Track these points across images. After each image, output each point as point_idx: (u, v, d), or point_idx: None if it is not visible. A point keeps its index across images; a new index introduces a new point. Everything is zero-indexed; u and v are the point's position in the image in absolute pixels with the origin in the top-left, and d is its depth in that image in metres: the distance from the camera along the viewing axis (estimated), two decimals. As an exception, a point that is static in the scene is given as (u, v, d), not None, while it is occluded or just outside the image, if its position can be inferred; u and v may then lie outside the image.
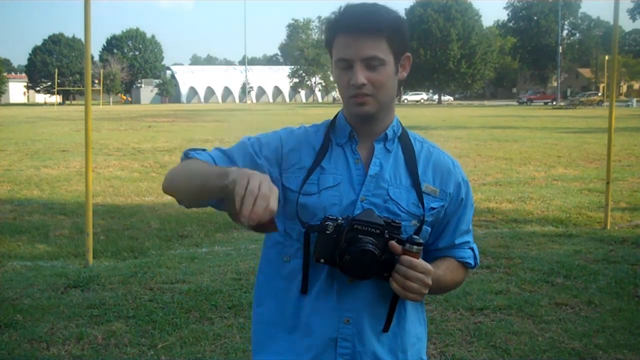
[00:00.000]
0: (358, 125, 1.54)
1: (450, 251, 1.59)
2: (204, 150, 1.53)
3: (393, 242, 1.38)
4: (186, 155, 1.52)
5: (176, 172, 1.50)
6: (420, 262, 1.37)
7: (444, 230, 1.58)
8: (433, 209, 1.52)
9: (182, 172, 1.47)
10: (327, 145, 1.53)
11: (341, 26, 1.44)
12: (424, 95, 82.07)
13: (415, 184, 1.50)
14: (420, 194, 1.50)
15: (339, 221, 1.39)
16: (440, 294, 2.63)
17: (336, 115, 1.59)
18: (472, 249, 1.63)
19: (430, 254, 1.60)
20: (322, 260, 1.40)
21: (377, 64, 1.43)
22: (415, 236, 1.40)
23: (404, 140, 1.56)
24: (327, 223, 1.39)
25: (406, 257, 1.37)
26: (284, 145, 1.54)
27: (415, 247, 1.37)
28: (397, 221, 1.42)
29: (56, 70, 77.74)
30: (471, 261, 1.62)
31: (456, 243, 1.59)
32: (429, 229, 1.54)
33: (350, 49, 1.42)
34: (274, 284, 1.55)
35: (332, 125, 1.57)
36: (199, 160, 1.48)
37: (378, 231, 1.37)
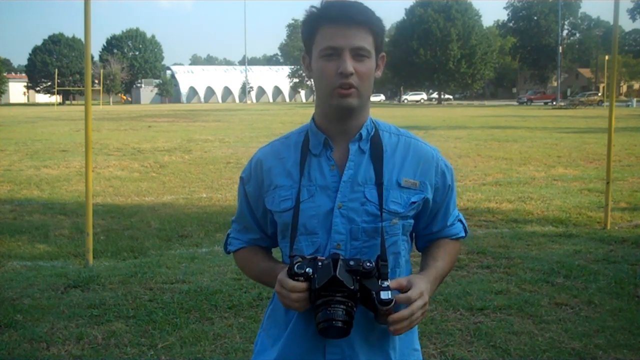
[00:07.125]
0: (333, 125, 1.51)
1: (444, 231, 1.63)
2: (233, 237, 1.68)
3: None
4: (225, 247, 1.70)
5: (243, 270, 1.72)
6: (399, 315, 1.35)
7: (436, 216, 1.60)
8: (413, 203, 1.51)
9: (248, 272, 1.70)
10: (305, 158, 1.52)
11: (329, 17, 1.43)
12: (424, 95, 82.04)
13: (389, 181, 1.49)
14: (389, 191, 1.49)
15: (308, 263, 1.36)
16: None
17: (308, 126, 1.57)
18: (461, 220, 1.67)
19: (425, 238, 1.63)
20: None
21: (364, 55, 1.43)
22: (382, 296, 1.33)
23: (374, 139, 1.54)
24: (296, 263, 1.37)
25: (384, 318, 1.36)
26: (257, 175, 1.58)
27: (384, 307, 1.33)
28: (366, 267, 1.35)
29: (56, 70, 77.86)
30: (462, 233, 1.66)
31: (448, 224, 1.63)
32: (412, 221, 1.54)
33: (340, 38, 1.41)
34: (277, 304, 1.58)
35: (307, 136, 1.55)
36: (251, 259, 1.64)
37: (347, 293, 1.33)
